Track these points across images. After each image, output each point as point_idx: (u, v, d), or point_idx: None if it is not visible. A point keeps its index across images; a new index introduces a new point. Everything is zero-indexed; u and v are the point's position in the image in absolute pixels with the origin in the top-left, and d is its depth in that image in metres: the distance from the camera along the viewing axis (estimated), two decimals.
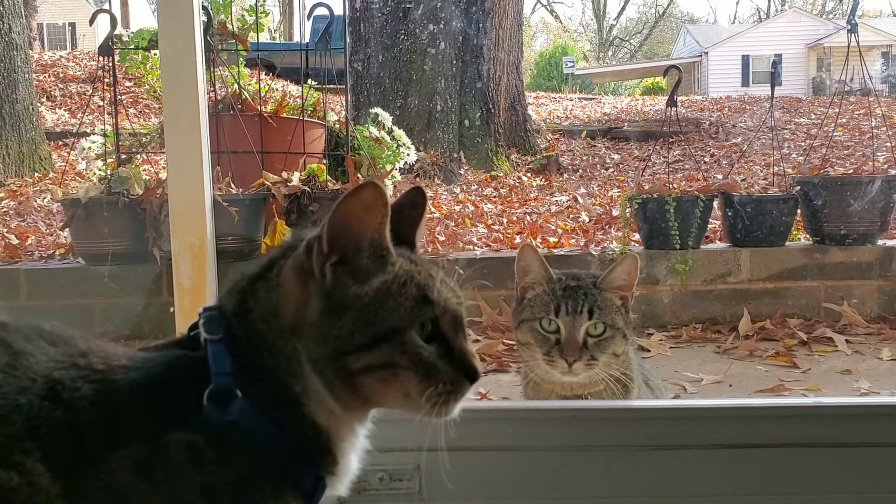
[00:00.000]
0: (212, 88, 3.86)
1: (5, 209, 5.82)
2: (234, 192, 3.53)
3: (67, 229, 3.90)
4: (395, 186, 4.16)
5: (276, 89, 5.47)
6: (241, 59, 4.22)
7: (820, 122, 7.24)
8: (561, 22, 23.02)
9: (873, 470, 1.39)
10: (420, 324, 0.89)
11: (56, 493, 0.77)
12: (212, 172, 1.94)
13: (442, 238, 4.61)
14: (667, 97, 4.96)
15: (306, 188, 3.55)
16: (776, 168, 4.70)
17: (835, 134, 6.57)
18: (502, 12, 8.00)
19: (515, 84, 8.51)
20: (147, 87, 4.43)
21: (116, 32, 4.07)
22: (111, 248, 3.54)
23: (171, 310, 1.93)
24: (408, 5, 7.59)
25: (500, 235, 4.78)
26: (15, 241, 4.54)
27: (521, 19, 9.41)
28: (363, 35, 7.75)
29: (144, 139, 4.45)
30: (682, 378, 3.08)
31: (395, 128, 4.36)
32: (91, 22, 4.27)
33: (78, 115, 8.34)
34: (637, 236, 4.15)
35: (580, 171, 8.27)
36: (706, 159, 8.00)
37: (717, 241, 4.27)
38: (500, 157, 7.91)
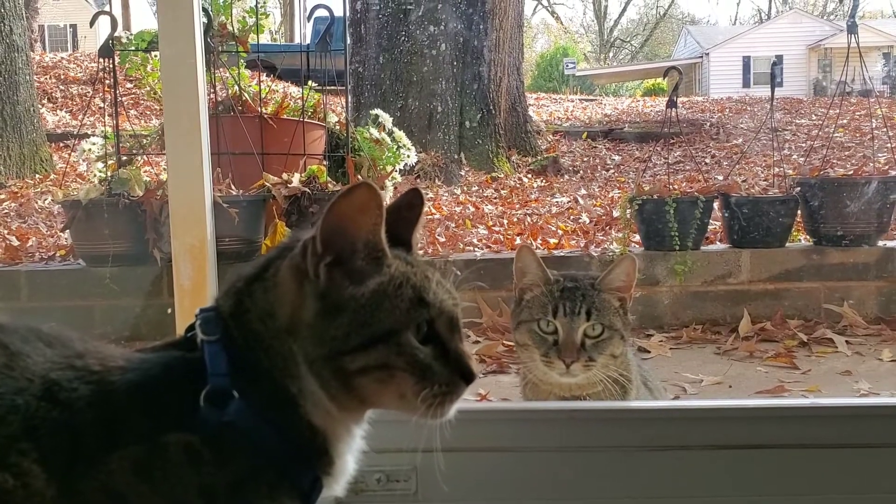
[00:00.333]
0: (212, 90, 3.86)
1: (6, 211, 5.82)
2: (234, 193, 3.54)
3: (68, 231, 3.90)
4: (395, 188, 4.16)
5: (277, 91, 5.47)
6: (242, 60, 4.23)
7: (820, 123, 7.24)
8: (562, 23, 23.01)
9: (873, 470, 1.39)
10: (416, 325, 0.90)
11: (51, 496, 0.77)
12: (212, 174, 1.94)
13: (442, 239, 4.61)
14: (667, 98, 4.96)
15: (306, 189, 3.55)
16: (777, 169, 4.70)
17: (835, 135, 6.57)
18: (503, 14, 8.00)
19: (516, 85, 8.51)
20: (147, 88, 4.44)
21: (117, 34, 4.08)
22: (111, 250, 3.54)
23: (169, 311, 1.93)
24: (408, 7, 7.59)
25: (501, 237, 4.78)
26: (16, 243, 4.55)
27: (521, 20, 9.41)
28: (363, 36, 7.75)
29: (145, 141, 4.46)
30: (682, 379, 3.08)
31: (395, 129, 4.36)
32: (91, 24, 4.28)
33: (79, 117, 8.34)
34: (637, 237, 4.15)
35: (581, 172, 8.26)
36: (707, 160, 7.99)
37: (718, 242, 4.27)
38: (500, 159, 7.91)
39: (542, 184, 7.47)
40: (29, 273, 3.80)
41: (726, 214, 4.10)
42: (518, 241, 4.61)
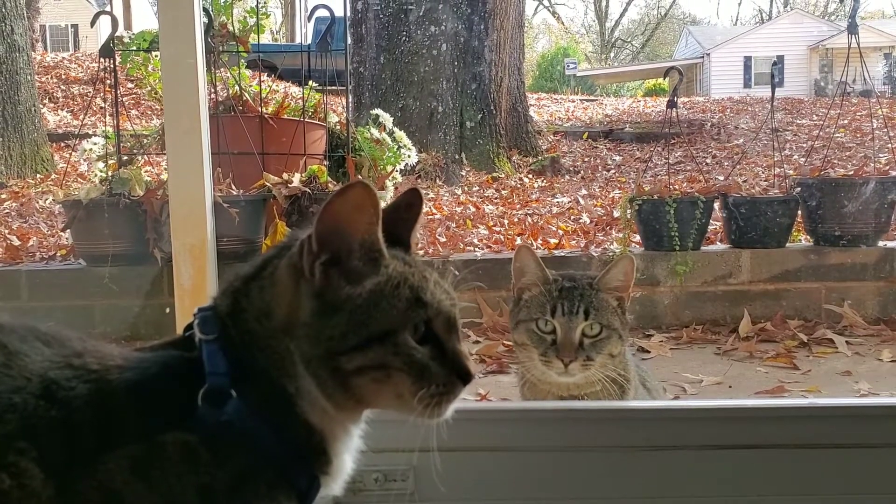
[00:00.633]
0: (213, 90, 3.86)
1: (7, 210, 5.83)
2: (234, 193, 3.54)
3: (69, 230, 3.91)
4: (395, 188, 4.16)
5: (278, 91, 5.47)
6: (242, 60, 4.23)
7: (821, 123, 7.24)
8: (563, 23, 23.04)
9: (873, 471, 1.39)
10: (413, 325, 0.90)
11: (48, 495, 0.77)
12: (212, 174, 1.94)
13: (443, 239, 4.61)
14: (668, 99, 4.97)
15: (307, 189, 3.55)
16: (777, 169, 4.70)
17: (836, 135, 6.57)
18: (504, 14, 8.00)
19: (517, 85, 8.51)
20: (148, 88, 4.44)
21: (118, 34, 4.08)
22: (112, 250, 3.54)
23: (168, 310, 1.94)
24: (409, 7, 7.60)
25: (501, 237, 4.79)
26: (17, 243, 4.56)
27: (522, 21, 9.42)
28: (364, 36, 7.75)
29: (146, 141, 4.46)
30: (681, 379, 3.07)
31: (396, 129, 4.35)
32: (92, 24, 4.29)
33: (80, 117, 8.35)
34: (638, 237, 4.15)
35: (581, 172, 8.27)
36: (707, 161, 7.99)
37: (718, 243, 4.27)
38: (501, 159, 7.91)
39: (543, 184, 7.48)
40: (29, 272, 3.80)
41: (726, 215, 4.10)
42: (519, 241, 4.61)
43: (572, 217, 5.61)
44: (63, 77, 10.31)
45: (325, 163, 4.08)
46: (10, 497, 0.76)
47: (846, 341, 3.48)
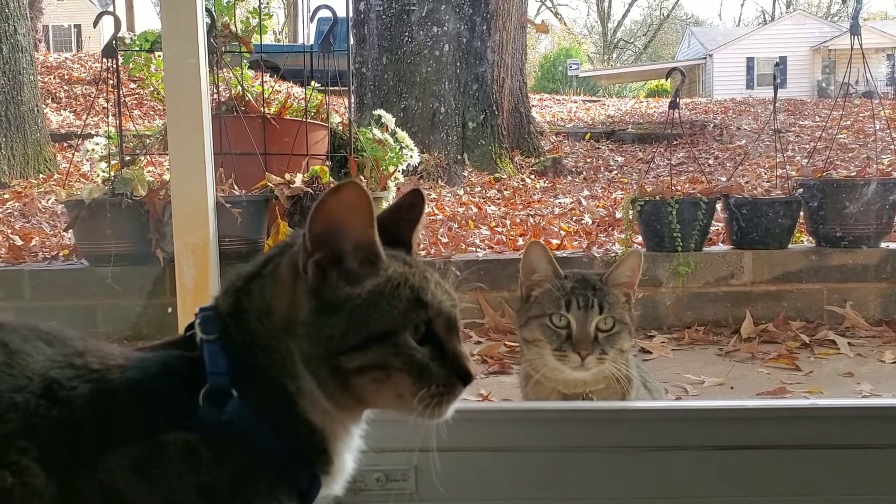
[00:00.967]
0: (215, 90, 3.87)
1: (10, 210, 5.84)
2: (237, 193, 3.54)
3: (71, 230, 3.91)
4: (398, 188, 4.16)
5: (280, 91, 5.48)
6: (245, 60, 4.23)
7: (824, 124, 7.23)
8: (565, 24, 23.04)
9: (874, 472, 1.39)
10: (414, 326, 0.90)
11: (50, 494, 0.78)
12: (215, 174, 1.94)
13: (445, 240, 4.61)
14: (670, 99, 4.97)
15: (309, 190, 3.55)
16: (779, 171, 4.70)
17: (838, 136, 6.56)
18: (506, 15, 8.01)
19: (519, 86, 8.51)
20: (151, 88, 4.45)
21: (121, 34, 4.09)
22: (114, 250, 3.55)
23: (170, 310, 1.94)
24: (411, 7, 7.60)
25: (503, 237, 4.79)
26: (19, 243, 4.57)
27: (524, 21, 9.41)
28: (366, 37, 7.76)
29: (148, 141, 4.47)
30: (683, 380, 3.07)
31: (398, 129, 4.36)
32: (95, 24, 4.29)
33: (83, 117, 8.36)
34: (640, 238, 4.15)
35: (583, 173, 8.27)
36: (710, 162, 7.99)
37: (720, 244, 4.27)
38: (503, 159, 7.92)
39: (545, 185, 7.48)
40: (32, 272, 3.81)
41: (728, 216, 4.09)
42: (520, 241, 4.61)
43: (574, 218, 5.61)
44: (66, 77, 10.33)
45: (327, 163, 4.08)
46: (13, 494, 0.76)
47: (848, 342, 3.48)
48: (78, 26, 16.48)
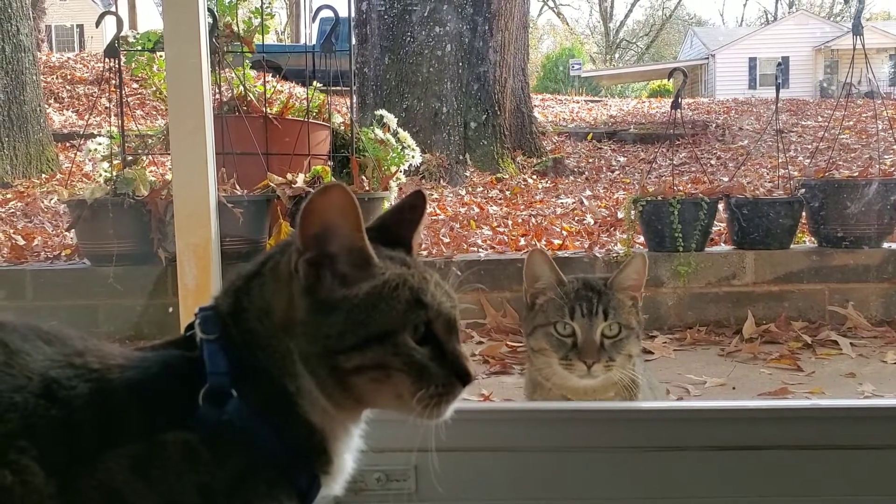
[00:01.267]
0: (217, 90, 3.87)
1: (12, 210, 5.85)
2: (238, 193, 3.54)
3: (73, 230, 3.92)
4: (400, 188, 4.16)
5: (282, 91, 5.48)
6: (247, 60, 4.23)
7: (826, 124, 7.22)
8: (567, 24, 23.04)
9: (876, 472, 1.39)
10: (413, 326, 0.90)
11: (50, 493, 0.78)
12: (217, 174, 1.94)
13: (446, 240, 4.61)
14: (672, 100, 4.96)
15: (311, 190, 3.55)
16: (782, 171, 4.69)
17: (841, 137, 6.55)
18: (508, 15, 8.00)
19: (521, 86, 8.51)
20: (153, 88, 4.45)
21: (123, 34, 4.09)
22: (116, 249, 3.55)
23: (171, 310, 1.94)
24: (413, 7, 7.60)
25: (505, 237, 4.78)
26: (21, 242, 4.57)
27: (527, 21, 9.40)
28: (368, 37, 7.76)
29: (150, 141, 4.47)
30: (685, 381, 3.07)
31: (400, 129, 4.36)
32: (97, 24, 4.29)
33: (85, 117, 8.36)
34: (641, 238, 4.15)
35: (585, 173, 8.26)
36: (712, 162, 7.98)
37: (722, 244, 4.26)
38: (505, 160, 7.91)
39: (547, 185, 7.47)
40: (34, 272, 3.81)
41: (730, 216, 4.09)
42: (522, 241, 4.61)
43: (576, 218, 5.60)
44: (68, 77, 10.33)
45: (329, 163, 4.09)
46: (14, 493, 0.76)
47: (850, 343, 3.47)
48: (80, 26, 16.50)
